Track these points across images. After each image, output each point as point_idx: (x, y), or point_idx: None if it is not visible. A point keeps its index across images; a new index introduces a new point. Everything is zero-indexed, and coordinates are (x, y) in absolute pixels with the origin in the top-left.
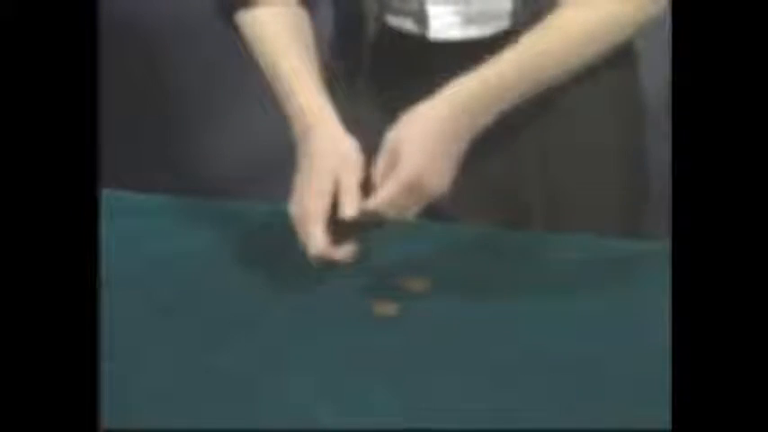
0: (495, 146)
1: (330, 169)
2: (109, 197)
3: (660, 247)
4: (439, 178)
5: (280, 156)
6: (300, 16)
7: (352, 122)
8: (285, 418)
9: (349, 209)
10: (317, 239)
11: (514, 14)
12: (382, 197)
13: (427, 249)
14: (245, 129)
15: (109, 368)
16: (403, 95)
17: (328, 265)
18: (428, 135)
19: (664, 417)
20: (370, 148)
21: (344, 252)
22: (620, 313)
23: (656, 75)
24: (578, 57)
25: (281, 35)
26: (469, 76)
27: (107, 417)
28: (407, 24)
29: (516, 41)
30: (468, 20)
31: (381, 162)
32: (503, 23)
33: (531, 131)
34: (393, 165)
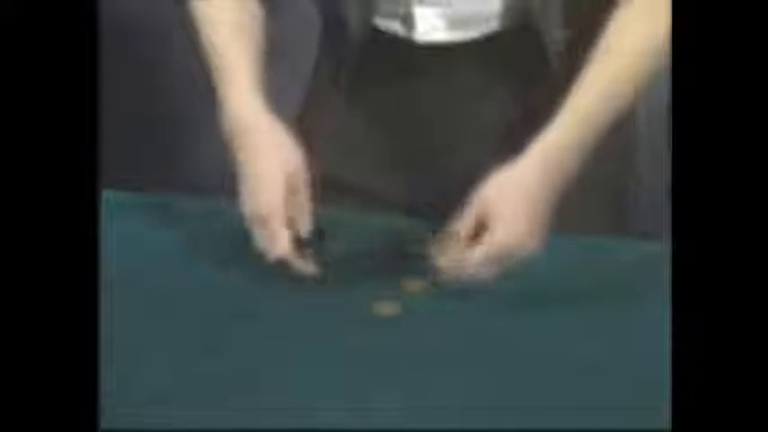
0: (495, 146)
1: (281, 171)
2: (109, 197)
3: (660, 248)
4: (531, 241)
5: None
6: (251, 5)
7: (340, 124)
8: (285, 418)
9: (303, 227)
10: (283, 241)
11: (503, 17)
12: (471, 263)
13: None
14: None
15: (109, 368)
16: (389, 98)
17: (283, 267)
18: (523, 202)
19: (664, 417)
20: (354, 150)
21: (310, 268)
22: (620, 313)
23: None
24: (641, 80)
25: (225, 25)
26: (554, 126)
27: (107, 417)
28: (394, 26)
29: (505, 49)
30: (455, 22)
31: (469, 221)
32: (491, 26)
33: (528, 132)
34: (483, 226)
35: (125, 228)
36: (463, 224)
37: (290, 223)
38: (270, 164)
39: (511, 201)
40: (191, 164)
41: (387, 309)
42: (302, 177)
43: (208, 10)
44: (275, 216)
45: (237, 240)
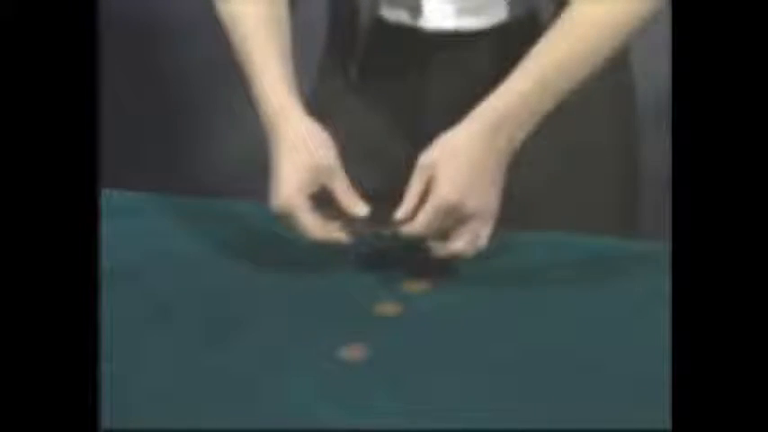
0: None
1: (307, 162)
2: (109, 197)
3: (660, 248)
4: (478, 198)
5: None
6: (277, 3)
7: (346, 115)
8: (285, 418)
9: (359, 209)
10: (313, 224)
11: (512, 6)
12: (420, 222)
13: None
14: (247, 128)
15: (109, 368)
16: (397, 88)
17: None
18: (462, 156)
19: (664, 417)
20: (363, 141)
21: (341, 233)
22: (620, 313)
23: (654, 74)
24: (599, 55)
25: (254, 22)
26: (497, 92)
27: (107, 417)
28: (402, 16)
29: (514, 38)
30: (464, 10)
31: (415, 186)
32: (500, 15)
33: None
34: (428, 189)
35: (125, 228)
36: (411, 185)
37: (335, 205)
38: (291, 156)
39: (453, 159)
40: (191, 164)
41: (387, 309)
42: (332, 164)
43: (232, 7)
44: (297, 207)
45: (238, 240)
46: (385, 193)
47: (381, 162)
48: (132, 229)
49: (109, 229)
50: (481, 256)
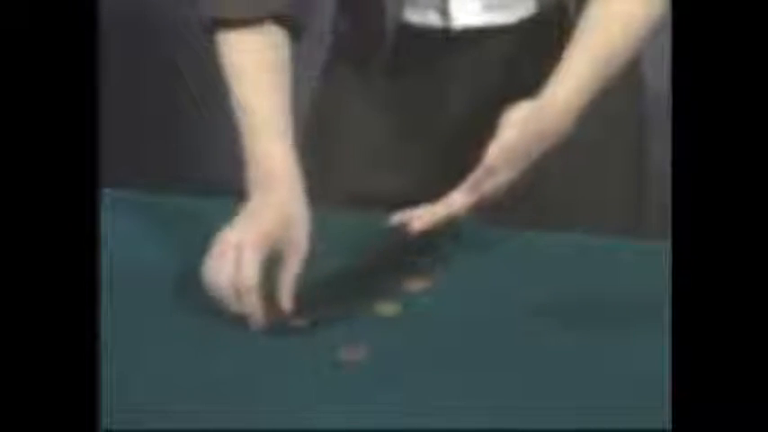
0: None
1: (276, 239)
2: (109, 197)
3: (660, 247)
4: (508, 171)
5: None
6: (280, 44)
7: (368, 116)
8: (284, 418)
9: (285, 300)
10: (257, 310)
11: (538, 1)
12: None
13: (428, 249)
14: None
15: (109, 368)
16: (423, 92)
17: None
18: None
19: (664, 417)
20: (389, 149)
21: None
22: (620, 313)
23: (656, 74)
24: (632, 50)
25: (253, 69)
26: (544, 92)
27: (107, 417)
28: (429, 17)
29: (541, 32)
30: (490, 6)
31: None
32: (526, 9)
33: None
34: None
35: (125, 228)
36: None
37: (270, 298)
38: (271, 209)
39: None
40: (191, 163)
41: (387, 309)
42: (293, 255)
43: (233, 57)
44: (252, 246)
45: None
46: (408, 193)
47: (405, 163)
48: (132, 229)
49: (109, 229)
50: (481, 257)
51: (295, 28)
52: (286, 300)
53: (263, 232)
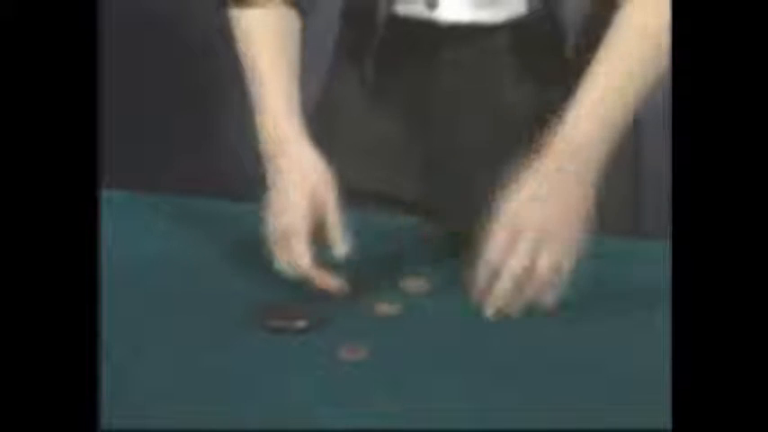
0: (495, 146)
1: (309, 192)
2: (109, 197)
3: (660, 247)
4: (569, 235)
5: None
6: (289, 18)
7: (362, 114)
8: (285, 418)
9: (338, 249)
10: (303, 256)
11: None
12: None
13: (428, 249)
14: (247, 129)
15: (109, 368)
16: (412, 84)
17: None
18: (547, 210)
19: (664, 417)
20: (381, 140)
21: (335, 284)
22: (620, 313)
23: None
24: (660, 59)
25: (263, 41)
26: (567, 116)
27: (107, 417)
28: (418, 9)
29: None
30: (481, 3)
31: (498, 239)
32: (517, 9)
33: (527, 131)
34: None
35: (125, 228)
36: (493, 244)
37: (316, 240)
38: (295, 185)
39: (540, 212)
40: (191, 164)
41: (387, 309)
42: (330, 198)
43: (244, 22)
44: (297, 234)
45: (238, 239)
46: (398, 189)
47: (397, 159)
48: (132, 229)
49: (109, 229)
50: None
51: (302, 6)
52: (340, 245)
53: (300, 214)
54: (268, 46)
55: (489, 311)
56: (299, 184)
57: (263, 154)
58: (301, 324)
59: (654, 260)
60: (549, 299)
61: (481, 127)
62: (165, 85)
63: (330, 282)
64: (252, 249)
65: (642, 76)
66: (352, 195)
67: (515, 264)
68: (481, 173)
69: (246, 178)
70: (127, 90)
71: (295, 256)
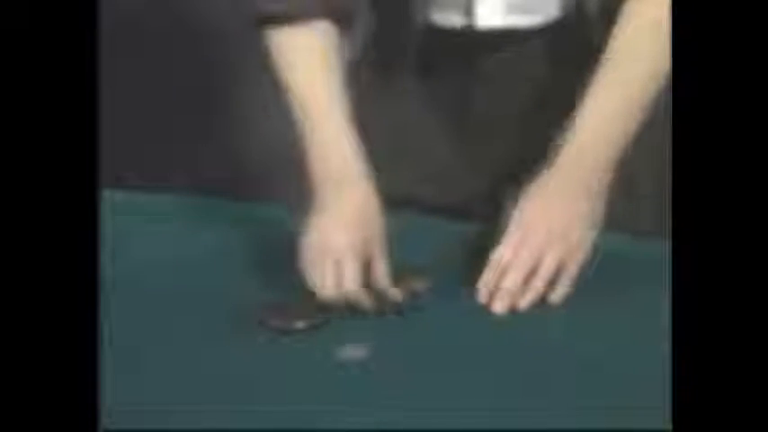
0: (495, 146)
1: (362, 224)
2: (109, 197)
3: (660, 247)
4: (579, 245)
5: (283, 157)
6: (331, 37)
7: (398, 121)
8: (285, 418)
9: (381, 280)
10: (351, 277)
11: (562, 4)
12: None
13: (427, 249)
14: (247, 129)
15: (109, 368)
16: (449, 92)
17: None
18: (553, 212)
19: (664, 417)
20: (417, 148)
21: (370, 305)
22: (620, 312)
23: None
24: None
25: (308, 66)
26: (576, 125)
27: (107, 417)
28: (453, 18)
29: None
30: (513, 7)
31: (511, 243)
32: (551, 13)
33: (527, 130)
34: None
35: (125, 228)
36: (503, 243)
37: (363, 265)
38: (351, 207)
39: (541, 213)
40: (192, 164)
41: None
42: (378, 233)
43: (282, 40)
44: (349, 252)
45: (239, 240)
46: (435, 194)
47: (431, 165)
48: (132, 229)
49: (109, 230)
50: (482, 256)
51: (344, 22)
52: (392, 291)
53: (354, 237)
54: (307, 63)
55: (497, 308)
56: (349, 223)
57: (313, 174)
58: (301, 324)
59: (653, 260)
60: (556, 297)
61: (519, 131)
62: (166, 85)
63: (368, 303)
64: (252, 249)
65: (652, 72)
66: (389, 202)
67: (523, 262)
68: (519, 177)
69: (247, 178)
70: (127, 90)
71: (341, 274)
